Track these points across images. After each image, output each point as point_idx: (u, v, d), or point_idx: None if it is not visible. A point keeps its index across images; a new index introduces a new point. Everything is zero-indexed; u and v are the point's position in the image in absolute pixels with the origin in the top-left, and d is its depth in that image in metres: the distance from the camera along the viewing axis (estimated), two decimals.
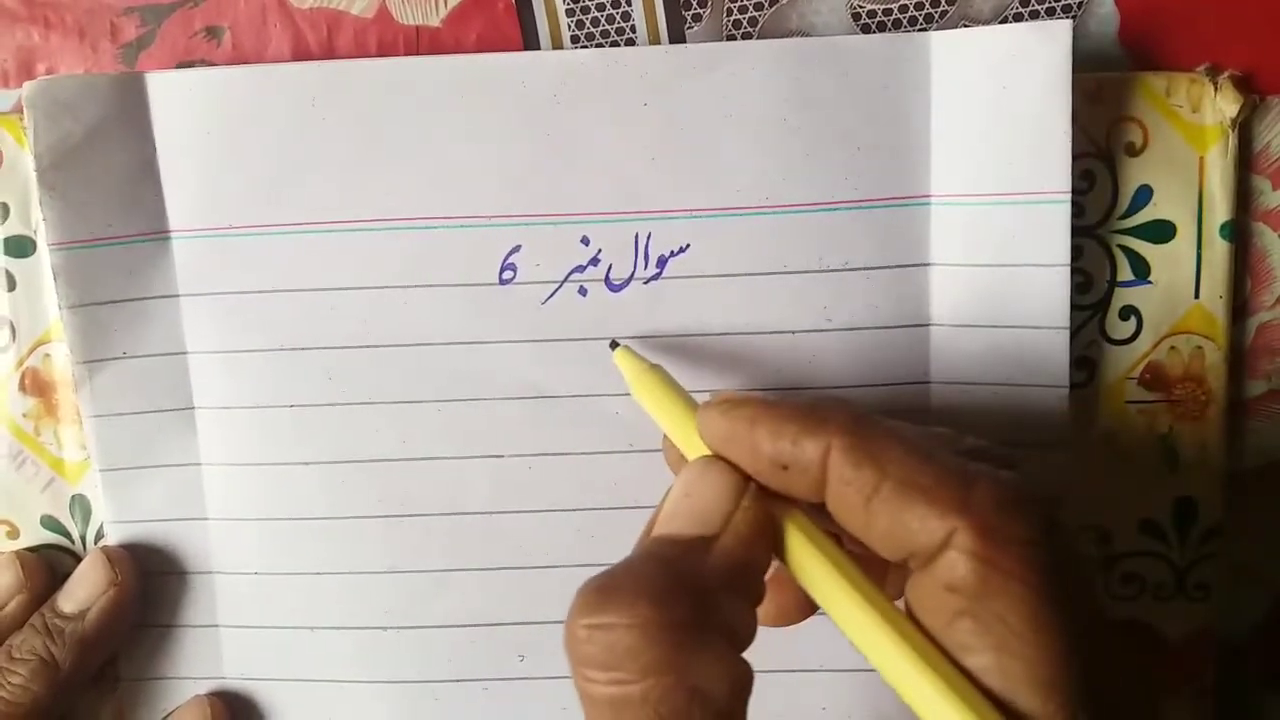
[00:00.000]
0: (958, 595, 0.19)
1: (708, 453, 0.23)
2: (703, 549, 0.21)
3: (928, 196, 0.28)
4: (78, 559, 0.31)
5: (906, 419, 0.29)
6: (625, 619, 0.19)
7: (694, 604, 0.20)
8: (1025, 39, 0.27)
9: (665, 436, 0.26)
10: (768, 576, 0.22)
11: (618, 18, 0.30)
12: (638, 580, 0.20)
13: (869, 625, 0.20)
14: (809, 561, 0.21)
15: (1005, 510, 0.19)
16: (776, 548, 0.22)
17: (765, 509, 0.22)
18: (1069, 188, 0.27)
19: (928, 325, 0.29)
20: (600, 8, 0.30)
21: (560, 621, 0.30)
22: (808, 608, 0.25)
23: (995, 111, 0.27)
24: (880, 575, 0.22)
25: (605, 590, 0.20)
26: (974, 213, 0.28)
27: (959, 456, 0.21)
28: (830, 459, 0.21)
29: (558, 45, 0.30)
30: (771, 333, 0.29)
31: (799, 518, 0.22)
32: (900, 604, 0.21)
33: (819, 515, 0.22)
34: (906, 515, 0.20)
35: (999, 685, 0.19)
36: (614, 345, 0.28)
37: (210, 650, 0.31)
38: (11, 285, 0.31)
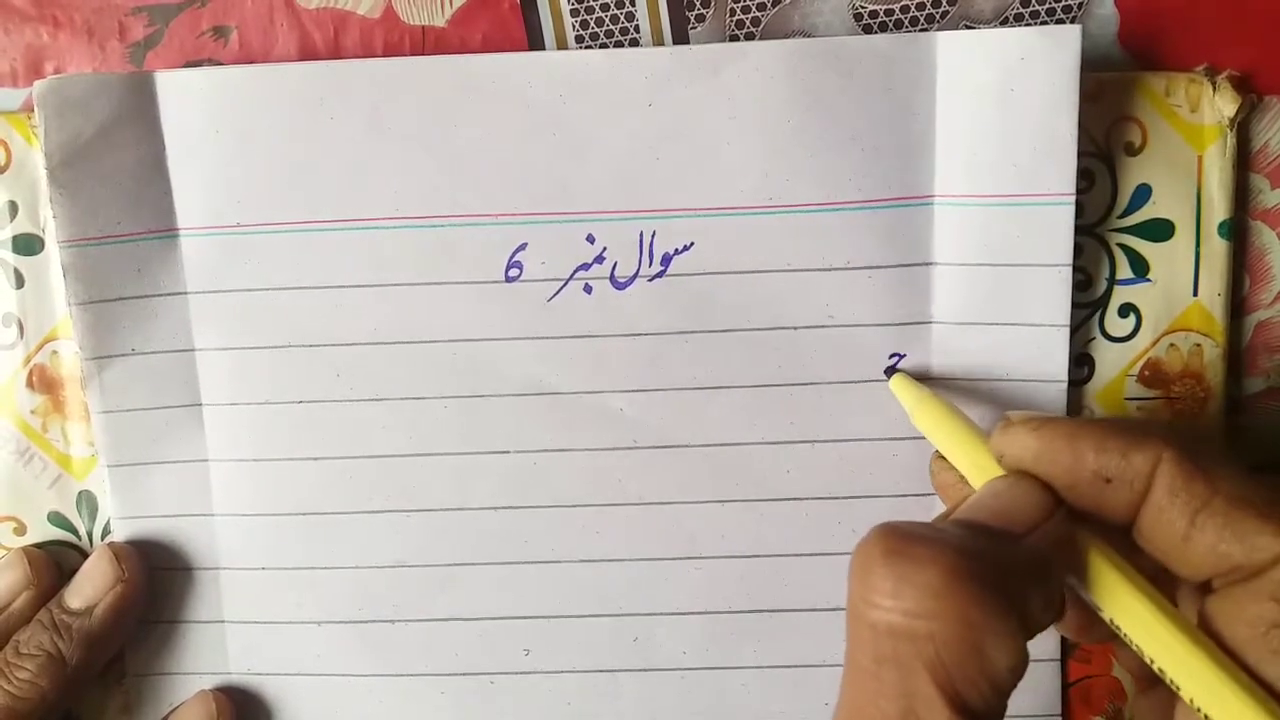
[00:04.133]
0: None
1: (996, 473, 0.23)
2: (1010, 539, 0.21)
3: (931, 197, 0.29)
4: (85, 555, 0.31)
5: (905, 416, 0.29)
6: (931, 556, 0.19)
7: (998, 571, 0.20)
8: (1034, 42, 0.27)
9: (936, 458, 0.27)
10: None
11: (622, 18, 0.30)
12: (947, 534, 0.20)
13: (1179, 644, 0.20)
14: (1114, 581, 0.21)
15: None
16: (1076, 567, 0.22)
17: (1071, 528, 0.22)
18: (1074, 190, 0.28)
19: (929, 323, 0.29)
20: (604, 8, 0.30)
21: (565, 616, 0.31)
22: (1087, 631, 0.25)
23: (1002, 113, 0.28)
24: (1169, 598, 0.23)
25: (910, 530, 0.20)
26: (977, 214, 0.28)
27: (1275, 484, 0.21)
28: (1159, 471, 0.21)
29: (562, 45, 0.30)
30: (774, 329, 0.29)
31: (1099, 542, 0.22)
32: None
33: (1115, 542, 0.22)
34: (1240, 529, 0.20)
35: None
36: (890, 372, 0.29)
37: (216, 645, 0.31)
38: (20, 283, 0.31)
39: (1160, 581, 0.22)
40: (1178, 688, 0.20)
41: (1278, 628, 0.19)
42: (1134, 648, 0.21)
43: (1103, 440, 0.22)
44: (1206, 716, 0.20)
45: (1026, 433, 0.23)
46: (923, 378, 0.29)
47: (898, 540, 0.20)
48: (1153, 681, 0.21)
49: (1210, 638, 0.20)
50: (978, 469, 0.24)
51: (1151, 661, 0.21)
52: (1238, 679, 0.19)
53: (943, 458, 0.26)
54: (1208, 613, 0.21)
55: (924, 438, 0.27)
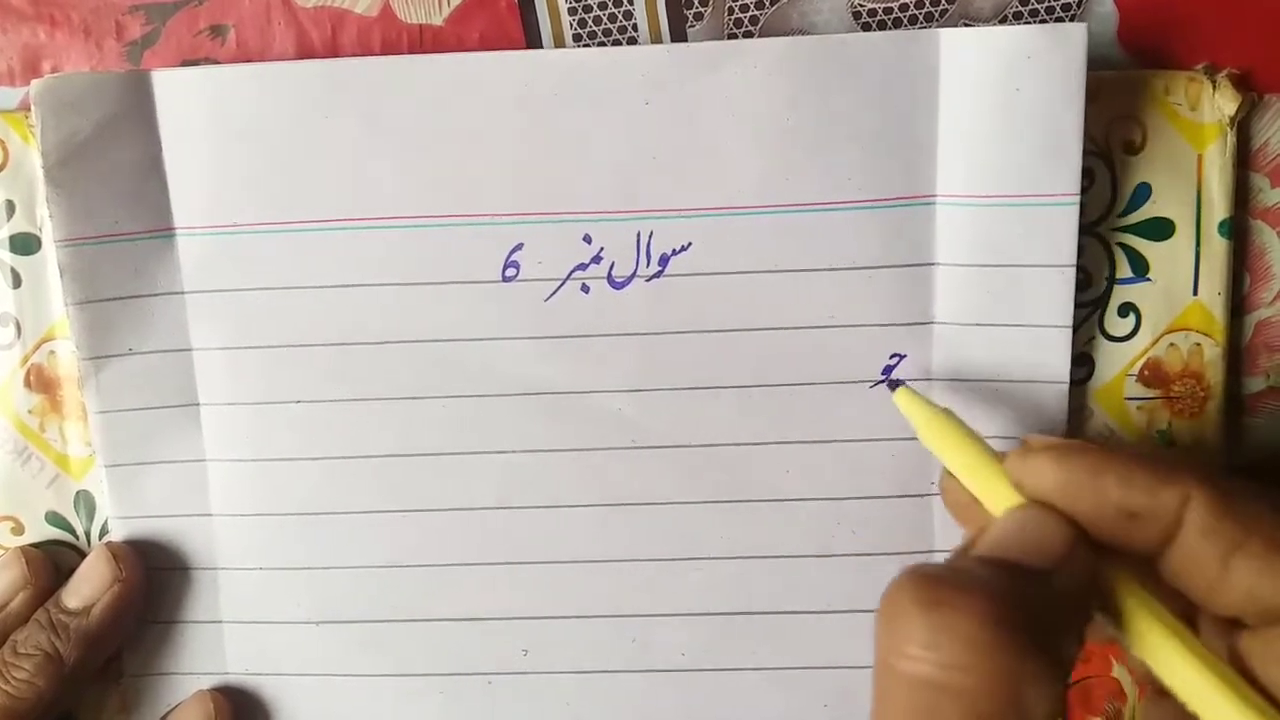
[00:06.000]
0: None
1: (1013, 498, 0.23)
2: (1042, 578, 0.20)
3: (933, 197, 0.28)
4: (82, 555, 0.31)
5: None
6: (965, 605, 0.19)
7: (1035, 617, 0.19)
8: (1039, 41, 0.27)
9: (945, 476, 0.26)
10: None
11: (619, 16, 0.30)
12: (980, 580, 0.20)
13: (1205, 681, 0.20)
14: (1144, 621, 0.21)
15: None
16: (1104, 602, 0.21)
17: (1096, 562, 0.21)
18: (1079, 190, 0.28)
19: (931, 324, 0.29)
20: (602, 6, 0.30)
21: (563, 617, 0.31)
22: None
23: (1006, 112, 0.27)
24: (1189, 622, 0.22)
25: (943, 576, 0.19)
26: (980, 213, 0.28)
27: None
28: (1189, 509, 0.20)
29: (560, 44, 0.30)
30: (774, 330, 0.29)
31: (1126, 574, 0.21)
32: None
33: (1137, 566, 0.21)
34: (1276, 571, 0.19)
35: None
36: (894, 386, 0.28)
37: (214, 645, 0.31)
38: (17, 282, 0.31)
39: (1182, 605, 0.21)
40: None
41: None
42: (1164, 686, 0.20)
43: (1128, 474, 0.21)
44: None
45: (1048, 462, 0.22)
46: (925, 380, 0.29)
47: (929, 588, 0.19)
48: (1164, 691, 0.20)
49: (1242, 675, 0.20)
50: (994, 494, 0.23)
51: (1185, 705, 0.20)
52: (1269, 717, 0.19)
53: (953, 475, 0.26)
54: (1241, 650, 0.20)
55: None
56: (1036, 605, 0.19)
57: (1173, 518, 0.21)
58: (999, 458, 0.24)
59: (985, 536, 0.22)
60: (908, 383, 0.28)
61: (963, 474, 0.25)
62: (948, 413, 0.26)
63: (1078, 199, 0.28)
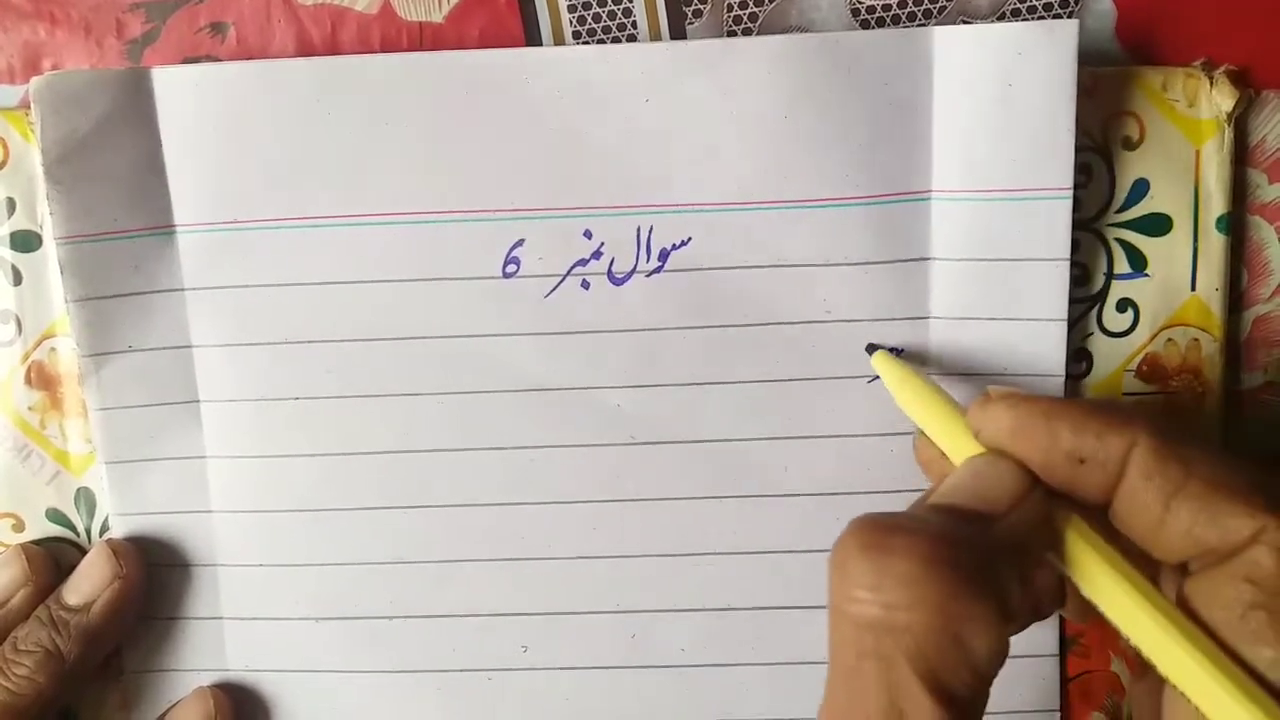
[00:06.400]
0: (1256, 589, 0.19)
1: (974, 449, 0.23)
2: (986, 522, 0.21)
3: (929, 192, 0.29)
4: (83, 552, 0.31)
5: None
6: (907, 546, 0.19)
7: (975, 558, 0.20)
8: (1031, 37, 0.27)
9: (919, 434, 0.27)
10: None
11: (619, 14, 0.30)
12: (923, 522, 0.20)
13: (1155, 623, 0.20)
14: (1090, 561, 0.21)
15: None
16: (1055, 546, 0.22)
17: (1049, 506, 0.22)
18: (1071, 184, 0.28)
19: (927, 318, 0.29)
20: (601, 4, 0.30)
21: (563, 613, 0.31)
22: (1052, 607, 0.25)
23: (999, 108, 0.28)
24: (1150, 578, 0.22)
25: (888, 522, 0.20)
26: (975, 209, 0.28)
27: (1253, 470, 0.21)
28: (1134, 454, 0.21)
29: (560, 41, 0.30)
30: (772, 325, 0.29)
31: (1077, 519, 0.22)
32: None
33: (1094, 519, 0.22)
34: (1213, 512, 0.20)
35: None
36: (871, 349, 0.29)
37: (214, 642, 0.31)
38: (17, 279, 0.31)
39: (1144, 560, 0.22)
40: (1155, 666, 0.20)
41: (1254, 609, 0.19)
42: (1113, 626, 0.21)
43: (1080, 420, 0.21)
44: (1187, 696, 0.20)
45: (1004, 409, 0.23)
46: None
47: (873, 532, 0.20)
48: (1146, 667, 0.21)
49: (1191, 619, 0.20)
50: (957, 446, 0.24)
51: (1129, 639, 0.21)
52: (1213, 658, 0.19)
53: (925, 434, 0.26)
54: (1186, 594, 0.21)
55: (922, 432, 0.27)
56: (978, 547, 0.20)
57: (1119, 463, 0.21)
58: (964, 412, 0.24)
59: (940, 485, 0.22)
60: (885, 347, 0.29)
61: (929, 427, 0.25)
62: (920, 373, 0.27)
63: (1071, 193, 0.28)
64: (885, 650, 0.19)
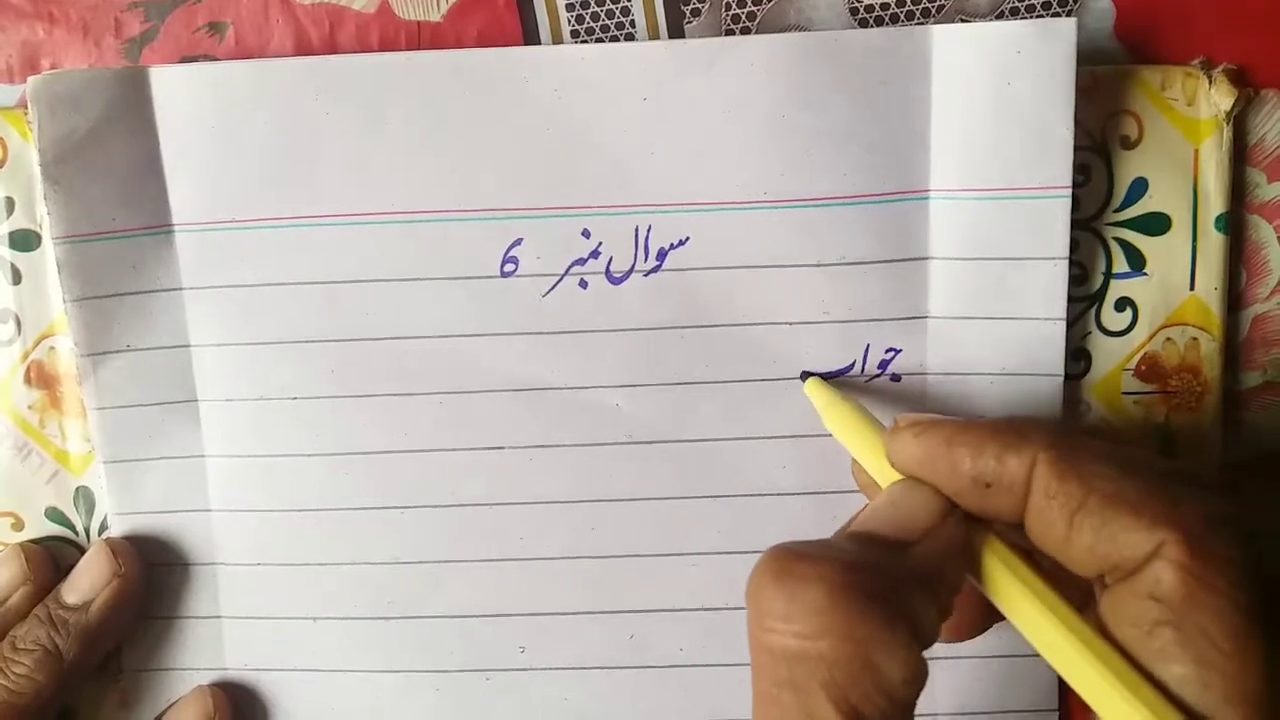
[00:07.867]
0: (1161, 605, 0.19)
1: (897, 478, 0.23)
2: (900, 549, 0.21)
3: (927, 192, 0.29)
4: (82, 551, 0.31)
5: (904, 409, 0.29)
6: (814, 575, 0.19)
7: (884, 584, 0.20)
8: (1029, 35, 0.27)
9: (854, 461, 0.27)
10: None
11: (617, 13, 0.30)
12: (834, 550, 0.20)
13: (1067, 643, 0.20)
14: (1006, 582, 0.21)
15: (1214, 526, 0.19)
16: (973, 568, 0.22)
17: (966, 531, 0.22)
18: (1070, 183, 0.28)
19: (925, 318, 0.29)
20: (600, 2, 0.30)
21: (561, 613, 0.31)
22: (984, 624, 0.25)
23: (997, 107, 0.28)
24: (1071, 595, 0.22)
25: (798, 550, 0.20)
26: (973, 208, 0.28)
27: (1159, 475, 0.21)
28: (1035, 474, 0.21)
29: (558, 40, 0.30)
30: (769, 324, 0.29)
31: (995, 541, 0.22)
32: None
33: (1015, 537, 0.22)
34: (1113, 528, 0.20)
35: (1197, 698, 0.19)
36: (804, 376, 0.29)
37: (213, 641, 0.31)
38: (16, 279, 0.31)
39: (1068, 579, 0.21)
40: (1071, 687, 0.20)
41: (1160, 626, 0.19)
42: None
43: (979, 445, 0.21)
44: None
45: (910, 438, 0.23)
46: (920, 374, 0.29)
47: (784, 561, 0.20)
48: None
49: (1105, 637, 0.20)
50: (883, 471, 0.24)
51: (1044, 657, 0.21)
52: (1123, 677, 0.19)
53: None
54: (1101, 612, 0.21)
55: None
56: (888, 573, 0.20)
57: (1023, 485, 0.21)
58: None
59: (860, 512, 0.22)
60: (816, 374, 0.29)
61: (857, 454, 0.26)
62: (849, 400, 0.27)
63: (1069, 191, 0.28)
64: (800, 679, 0.19)
